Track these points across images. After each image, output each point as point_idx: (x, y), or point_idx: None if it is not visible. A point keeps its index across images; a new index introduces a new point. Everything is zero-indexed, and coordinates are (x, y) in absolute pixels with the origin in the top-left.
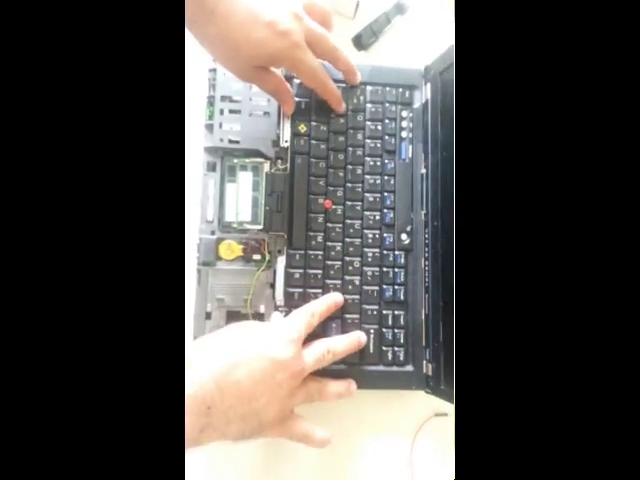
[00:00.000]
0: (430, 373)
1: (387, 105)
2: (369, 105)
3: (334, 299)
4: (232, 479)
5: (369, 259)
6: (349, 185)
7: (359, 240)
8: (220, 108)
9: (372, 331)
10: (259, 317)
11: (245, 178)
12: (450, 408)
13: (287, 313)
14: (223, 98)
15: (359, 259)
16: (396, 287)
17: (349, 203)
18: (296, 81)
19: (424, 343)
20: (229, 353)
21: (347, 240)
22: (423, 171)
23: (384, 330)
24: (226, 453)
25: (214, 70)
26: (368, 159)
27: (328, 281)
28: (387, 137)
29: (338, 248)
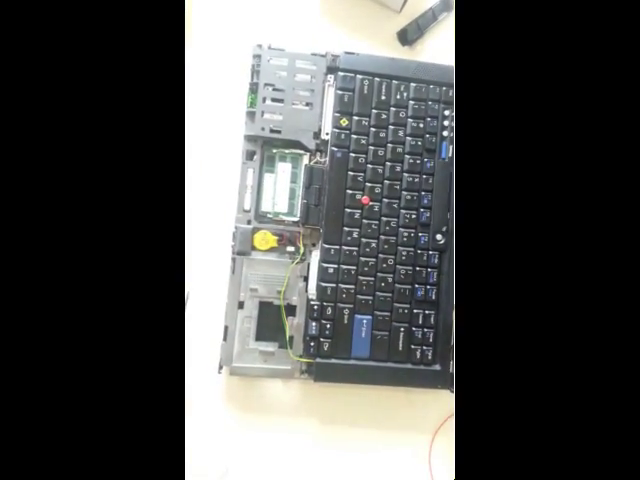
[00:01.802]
0: None
1: (430, 103)
2: (412, 102)
3: None
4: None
5: (403, 257)
6: (387, 182)
7: (394, 238)
8: (263, 96)
9: (402, 329)
10: (291, 309)
11: (284, 169)
12: None
13: (319, 307)
14: (266, 86)
15: (393, 257)
16: (428, 287)
17: (386, 200)
18: (340, 74)
19: (452, 343)
20: None
21: (382, 237)
22: None
23: (414, 329)
24: (242, 453)
25: (258, 56)
26: (408, 157)
27: (361, 278)
28: (428, 135)
29: (373, 245)
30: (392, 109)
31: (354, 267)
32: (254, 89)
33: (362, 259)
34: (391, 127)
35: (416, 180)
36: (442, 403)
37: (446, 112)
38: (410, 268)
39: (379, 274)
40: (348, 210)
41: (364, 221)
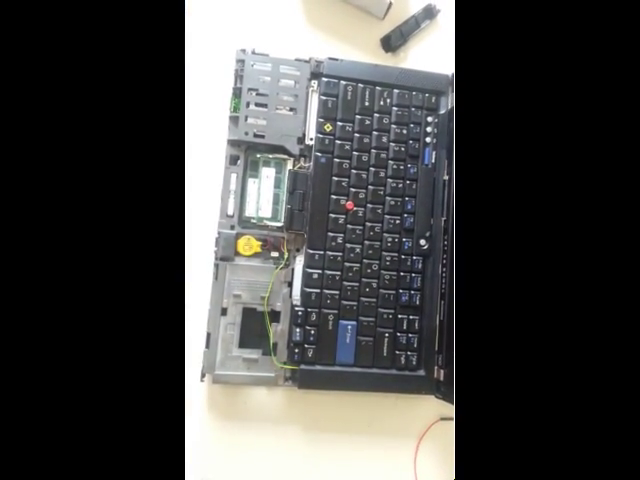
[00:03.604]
0: (442, 378)
1: (413, 109)
2: (395, 108)
3: None
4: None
5: (387, 263)
6: (371, 187)
7: (378, 243)
8: (247, 101)
9: (387, 335)
10: (275, 315)
11: (267, 174)
12: None
13: (304, 313)
14: (250, 90)
15: (377, 262)
16: (412, 292)
17: (370, 206)
18: (323, 80)
19: (437, 349)
20: None
21: (366, 243)
22: (445, 177)
23: (398, 334)
24: (225, 462)
25: (242, 61)
26: (391, 162)
27: (346, 283)
28: (411, 142)
29: (357, 250)
30: (376, 115)
31: (338, 272)
32: (237, 94)
33: (346, 264)
34: (375, 133)
35: (400, 186)
36: (427, 408)
37: (429, 118)
38: (394, 273)
39: (363, 279)
40: (332, 215)
41: (348, 226)
